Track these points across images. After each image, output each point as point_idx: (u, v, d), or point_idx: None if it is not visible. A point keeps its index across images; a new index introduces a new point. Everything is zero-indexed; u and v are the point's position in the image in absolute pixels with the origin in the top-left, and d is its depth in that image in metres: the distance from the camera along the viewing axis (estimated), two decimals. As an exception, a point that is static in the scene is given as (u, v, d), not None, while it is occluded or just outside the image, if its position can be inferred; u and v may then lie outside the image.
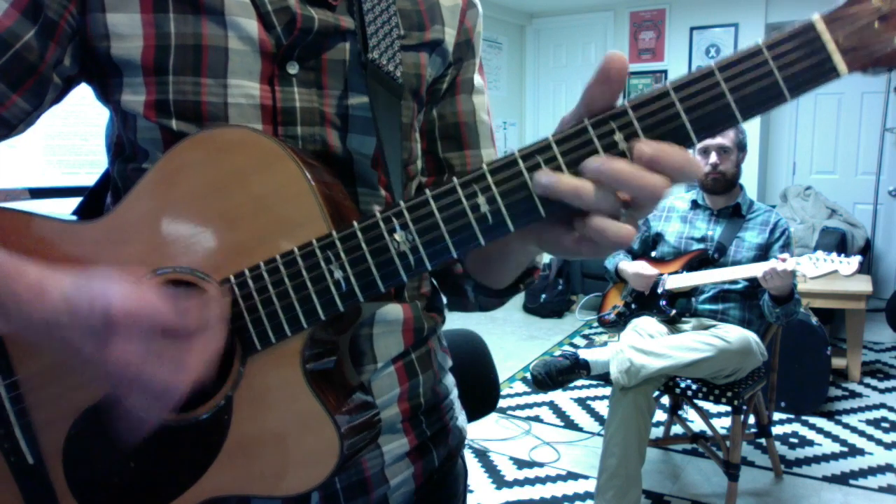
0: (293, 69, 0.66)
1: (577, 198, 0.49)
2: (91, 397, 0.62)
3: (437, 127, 0.80)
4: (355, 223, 0.56)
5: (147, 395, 0.54)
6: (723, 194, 2.67)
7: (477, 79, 0.82)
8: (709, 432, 2.85)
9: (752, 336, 2.48)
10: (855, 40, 0.47)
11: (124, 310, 0.52)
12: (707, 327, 2.56)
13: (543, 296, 5.40)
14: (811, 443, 3.12)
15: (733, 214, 2.68)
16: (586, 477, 2.83)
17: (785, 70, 0.48)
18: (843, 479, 2.79)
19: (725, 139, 2.57)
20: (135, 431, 0.58)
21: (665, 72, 5.75)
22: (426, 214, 0.54)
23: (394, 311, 0.74)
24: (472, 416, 1.16)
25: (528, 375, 3.23)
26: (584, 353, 2.60)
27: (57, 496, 0.64)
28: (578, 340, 4.80)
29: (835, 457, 2.98)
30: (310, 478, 0.60)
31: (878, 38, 0.47)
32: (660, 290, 2.58)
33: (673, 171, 0.48)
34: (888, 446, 3.06)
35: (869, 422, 3.33)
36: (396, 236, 0.55)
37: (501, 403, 3.58)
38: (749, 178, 5.34)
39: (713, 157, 2.57)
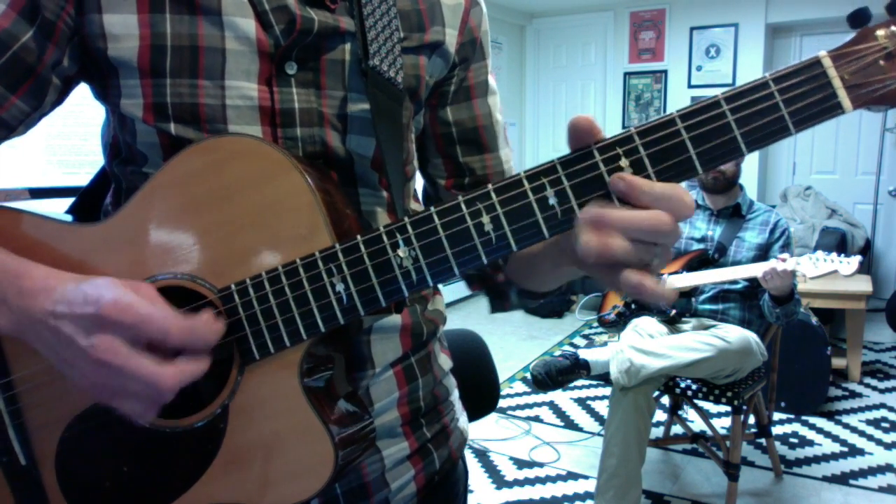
0: (291, 70, 0.65)
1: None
2: (86, 400, 0.62)
3: (454, 131, 0.80)
4: (359, 237, 0.56)
5: (127, 396, 0.54)
6: (723, 194, 2.67)
7: (490, 80, 0.82)
8: (709, 432, 2.85)
9: (752, 336, 2.48)
10: (860, 78, 0.48)
11: (114, 304, 0.52)
12: (707, 327, 2.56)
13: (543, 296, 5.39)
14: (811, 443, 3.12)
15: (733, 214, 2.68)
16: (586, 477, 2.83)
17: (790, 104, 0.48)
18: (843, 479, 2.78)
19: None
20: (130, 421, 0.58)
21: (665, 72, 5.74)
22: (430, 230, 0.54)
23: (392, 317, 0.74)
24: (473, 416, 1.16)
25: (528, 375, 3.23)
26: (584, 353, 2.60)
27: (48, 498, 0.63)
28: (578, 340, 4.80)
29: (835, 457, 2.98)
30: (304, 488, 0.59)
31: (884, 77, 0.47)
32: (660, 290, 2.58)
33: (669, 204, 0.48)
34: (888, 446, 3.06)
35: (869, 422, 3.33)
36: (400, 251, 0.55)
37: (501, 403, 3.58)
38: (749, 178, 5.34)
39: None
